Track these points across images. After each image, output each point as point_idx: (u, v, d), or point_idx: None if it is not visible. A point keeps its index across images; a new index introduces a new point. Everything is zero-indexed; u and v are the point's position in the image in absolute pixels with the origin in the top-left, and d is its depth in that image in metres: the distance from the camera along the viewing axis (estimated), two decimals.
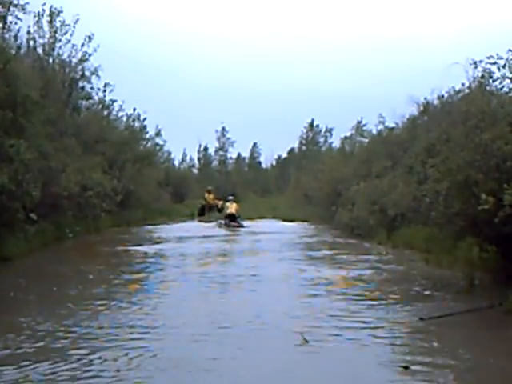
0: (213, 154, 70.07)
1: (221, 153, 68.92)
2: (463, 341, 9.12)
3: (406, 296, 12.15)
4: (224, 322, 9.84)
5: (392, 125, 29.03)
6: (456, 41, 62.55)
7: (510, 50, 13.03)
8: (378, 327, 9.60)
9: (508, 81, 13.35)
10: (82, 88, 28.56)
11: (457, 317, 10.21)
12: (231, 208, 33.82)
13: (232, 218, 33.16)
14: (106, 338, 8.85)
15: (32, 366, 7.50)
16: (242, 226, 32.24)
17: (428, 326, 9.73)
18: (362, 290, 12.83)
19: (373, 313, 10.65)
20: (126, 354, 8.01)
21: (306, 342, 8.57)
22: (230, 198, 35.40)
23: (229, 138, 67.77)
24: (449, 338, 9.19)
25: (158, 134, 41.77)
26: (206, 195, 38.53)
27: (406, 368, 7.49)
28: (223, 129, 66.98)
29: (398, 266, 16.19)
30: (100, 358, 7.85)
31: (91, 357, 7.89)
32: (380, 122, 30.01)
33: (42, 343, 8.54)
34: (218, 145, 68.52)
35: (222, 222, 33.27)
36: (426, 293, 12.46)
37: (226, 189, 40.04)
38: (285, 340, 8.86)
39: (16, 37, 21.95)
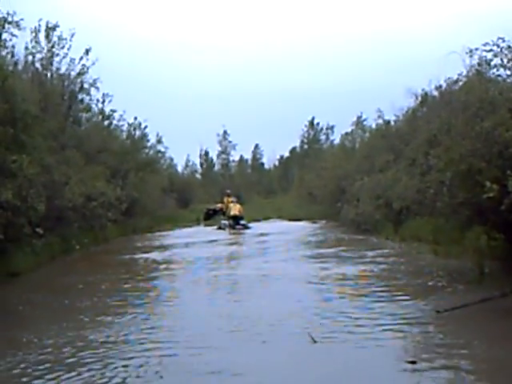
0: (215, 157, 70.29)
1: (223, 156, 69.04)
2: (479, 332, 8.99)
3: (419, 289, 12.16)
4: (236, 326, 9.86)
5: (391, 118, 29.09)
6: (455, 30, 62.39)
7: (499, 38, 13.02)
8: (394, 321, 9.59)
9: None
10: (82, 100, 28.62)
11: (471, 307, 10.17)
12: (234, 209, 33.83)
13: (236, 219, 33.19)
14: (124, 349, 8.80)
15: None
16: (247, 227, 32.30)
17: (444, 318, 9.70)
18: (375, 285, 12.84)
19: (388, 307, 10.63)
20: (147, 362, 8.01)
21: (314, 341, 8.52)
22: (234, 199, 35.46)
23: (230, 142, 67.93)
24: (465, 330, 9.11)
25: (159, 141, 41.86)
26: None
27: (414, 363, 7.42)
28: (225, 132, 67.15)
29: (407, 259, 16.20)
30: (120, 368, 7.83)
31: (114, 366, 7.89)
32: (379, 117, 30.06)
33: (59, 358, 8.49)
34: (220, 148, 68.67)
35: (226, 222, 33.28)
36: (438, 284, 12.45)
37: (230, 192, 39.99)
38: (298, 340, 8.82)
39: (12, 53, 21.99)
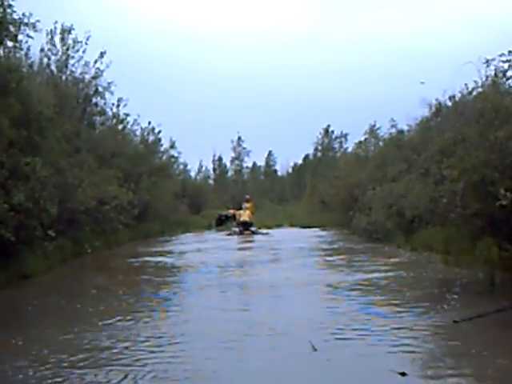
0: (228, 163, 70.39)
1: (236, 162, 69.12)
2: (493, 343, 8.89)
3: (430, 297, 12.07)
4: (239, 332, 9.85)
5: (405, 127, 29.05)
6: (471, 41, 62.28)
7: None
8: (405, 331, 9.51)
9: None
10: (96, 104, 28.70)
11: (485, 317, 10.08)
12: (244, 215, 34.17)
13: (245, 225, 33.39)
14: (138, 354, 8.81)
15: None
16: (255, 233, 32.55)
17: (457, 328, 9.65)
18: (389, 295, 12.74)
19: (403, 317, 10.51)
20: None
21: (315, 349, 8.46)
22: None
23: (244, 148, 68.03)
24: (480, 340, 8.97)
25: (172, 146, 41.83)
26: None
27: (404, 375, 7.34)
28: (239, 138, 67.24)
29: (418, 268, 16.12)
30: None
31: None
32: (392, 126, 30.00)
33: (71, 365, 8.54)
34: (233, 154, 68.78)
35: (236, 229, 33.45)
36: (449, 294, 12.30)
37: (242, 198, 40.02)
38: (300, 347, 8.75)
39: (27, 55, 22.05)
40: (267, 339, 9.37)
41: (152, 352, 8.74)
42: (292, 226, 39.41)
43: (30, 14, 16.59)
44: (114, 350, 8.90)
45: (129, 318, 11.13)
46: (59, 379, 7.57)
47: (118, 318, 11.09)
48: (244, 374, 7.83)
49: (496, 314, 10.26)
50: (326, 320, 10.51)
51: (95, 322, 10.76)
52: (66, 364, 8.20)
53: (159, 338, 9.59)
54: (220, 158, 70.54)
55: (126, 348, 9.02)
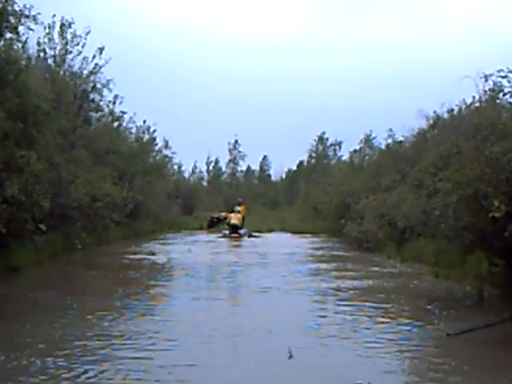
0: (223, 166, 70.34)
1: (232, 165, 69.03)
2: (483, 358, 8.90)
3: (421, 311, 12.04)
4: (218, 337, 9.83)
5: (401, 138, 29.06)
6: (472, 54, 62.45)
7: None
8: (395, 344, 9.48)
9: None
10: (93, 100, 28.62)
11: (472, 332, 10.05)
12: (234, 219, 34.59)
13: (234, 228, 33.71)
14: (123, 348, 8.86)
15: None
16: (242, 236, 32.83)
17: (445, 342, 9.62)
18: (376, 305, 12.66)
19: (389, 328, 10.47)
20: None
21: (291, 356, 8.37)
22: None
23: (240, 152, 67.93)
24: (468, 355, 8.97)
25: (166, 145, 41.85)
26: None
27: None
28: (236, 141, 67.14)
29: (408, 280, 16.08)
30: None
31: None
32: (389, 136, 30.00)
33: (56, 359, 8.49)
34: (229, 157, 68.68)
35: (226, 232, 33.79)
36: (438, 307, 12.24)
37: (235, 201, 40.01)
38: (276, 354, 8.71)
39: (24, 47, 21.94)
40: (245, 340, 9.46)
41: (128, 349, 8.78)
42: (284, 231, 39.46)
43: (31, 6, 16.56)
44: (96, 346, 8.93)
45: (115, 315, 11.15)
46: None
47: (105, 314, 11.11)
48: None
49: (485, 328, 10.27)
50: (308, 328, 10.46)
51: (80, 318, 10.79)
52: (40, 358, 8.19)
53: (140, 335, 9.64)
54: (217, 161, 70.60)
55: (109, 345, 9.04)
